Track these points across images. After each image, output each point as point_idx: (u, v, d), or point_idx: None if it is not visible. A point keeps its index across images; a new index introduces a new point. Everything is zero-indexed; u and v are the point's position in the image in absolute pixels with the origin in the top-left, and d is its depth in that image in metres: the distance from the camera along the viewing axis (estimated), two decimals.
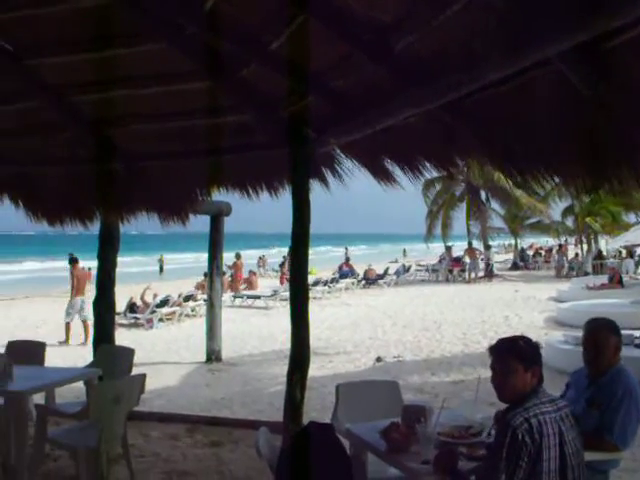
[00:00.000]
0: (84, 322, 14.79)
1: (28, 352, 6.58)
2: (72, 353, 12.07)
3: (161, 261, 47.51)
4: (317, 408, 7.51)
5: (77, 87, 6.27)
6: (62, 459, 5.95)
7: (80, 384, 6.34)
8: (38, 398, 5.91)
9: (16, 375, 5.50)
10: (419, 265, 37.73)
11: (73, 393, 7.03)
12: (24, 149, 7.29)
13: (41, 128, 6.96)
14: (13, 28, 5.80)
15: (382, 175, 5.88)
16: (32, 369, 6.07)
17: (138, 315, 17.95)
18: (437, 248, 41.71)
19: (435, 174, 6.24)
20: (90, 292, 13.33)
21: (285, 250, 34.02)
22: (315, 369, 8.62)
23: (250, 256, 43.30)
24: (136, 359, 6.40)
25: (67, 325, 14.98)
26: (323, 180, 6.09)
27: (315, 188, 6.01)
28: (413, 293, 25.59)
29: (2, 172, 7.53)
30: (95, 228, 7.90)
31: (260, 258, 42.84)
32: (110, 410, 4.93)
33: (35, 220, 7.78)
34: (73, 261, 16.34)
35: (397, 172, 5.79)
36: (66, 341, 14.52)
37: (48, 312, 20.82)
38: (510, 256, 44.12)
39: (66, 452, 5.56)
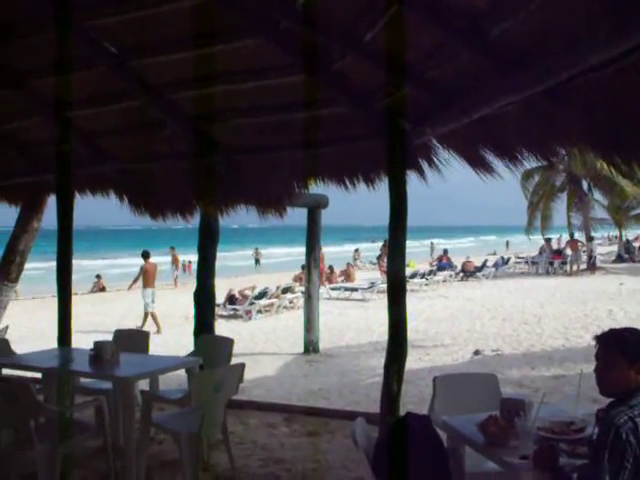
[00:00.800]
0: (152, 314, 16.40)
1: (134, 340, 6.85)
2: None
3: (256, 254, 48.32)
4: (414, 401, 7.49)
5: (177, 85, 6.46)
6: (166, 443, 6.19)
7: (182, 372, 6.57)
8: (143, 384, 6.13)
9: (123, 362, 5.76)
10: (518, 257, 36.91)
11: (176, 381, 7.27)
12: (128, 146, 7.56)
13: (144, 126, 7.21)
14: (117, 32, 6.05)
15: (480, 165, 5.77)
16: (137, 357, 6.33)
17: (237, 307, 18.35)
18: (539, 240, 40.69)
19: (535, 164, 6.06)
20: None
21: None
22: (412, 361, 8.58)
23: (347, 250, 43.50)
24: (235, 349, 6.55)
25: (152, 315, 16.46)
26: (420, 171, 6.03)
27: (412, 180, 5.96)
28: (512, 286, 25.05)
29: (108, 169, 7.82)
30: (196, 222, 8.12)
31: (355, 251, 42.94)
32: (210, 398, 5.08)
33: (139, 214, 8.05)
34: (145, 255, 17.49)
35: (495, 162, 5.67)
36: (158, 330, 15.43)
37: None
38: (614, 248, 42.40)
39: (169, 436, 5.77)
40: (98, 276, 30.04)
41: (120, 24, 5.91)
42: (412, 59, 5.01)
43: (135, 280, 17.65)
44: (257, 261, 47.40)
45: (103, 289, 28.80)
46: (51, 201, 9.54)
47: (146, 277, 16.99)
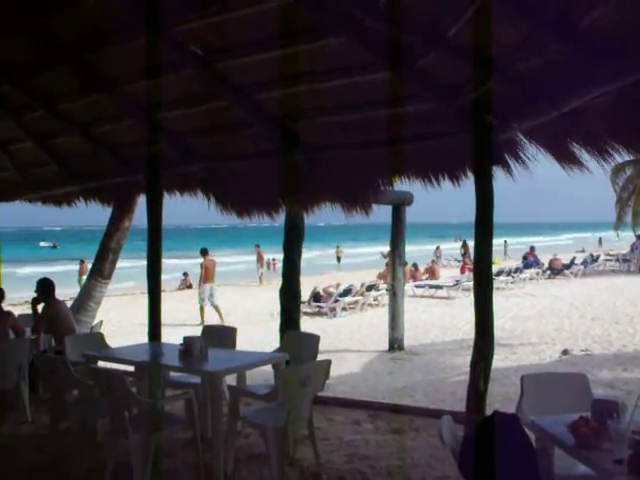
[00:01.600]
0: (216, 308, 17.32)
1: (221, 336, 7.00)
2: None
3: (338, 252, 48.48)
4: (500, 400, 7.37)
5: (262, 85, 6.56)
6: (252, 436, 6.32)
7: (267, 368, 6.67)
8: (230, 379, 6.26)
9: (211, 357, 5.90)
10: (608, 255, 35.71)
11: (262, 376, 7.40)
12: (214, 146, 7.73)
13: (230, 125, 7.35)
14: (203, 35, 6.19)
15: (567, 160, 5.63)
16: (225, 352, 6.47)
17: (322, 304, 18.46)
18: (629, 237, 39.19)
19: (627, 157, 5.87)
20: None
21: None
22: (498, 360, 8.45)
23: (431, 248, 43.15)
24: (320, 346, 6.59)
25: (201, 308, 17.41)
26: (506, 167, 5.93)
27: (498, 176, 5.87)
28: (602, 284, 24.29)
29: (195, 168, 8.01)
30: (281, 220, 8.22)
31: (436, 248, 42.49)
32: (297, 393, 5.14)
33: (225, 213, 8.21)
34: (204, 253, 18.48)
35: (584, 156, 5.52)
36: (201, 322, 16.17)
37: (236, 299, 22.05)
38: None
39: (256, 430, 5.87)
40: (185, 274, 30.74)
41: (205, 28, 6.05)
42: (497, 52, 4.93)
43: (201, 277, 18.16)
44: (339, 259, 47.56)
45: (190, 286, 29.44)
46: (141, 200, 9.89)
47: (205, 273, 17.87)
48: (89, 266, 12.49)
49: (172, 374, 6.70)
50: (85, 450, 5.64)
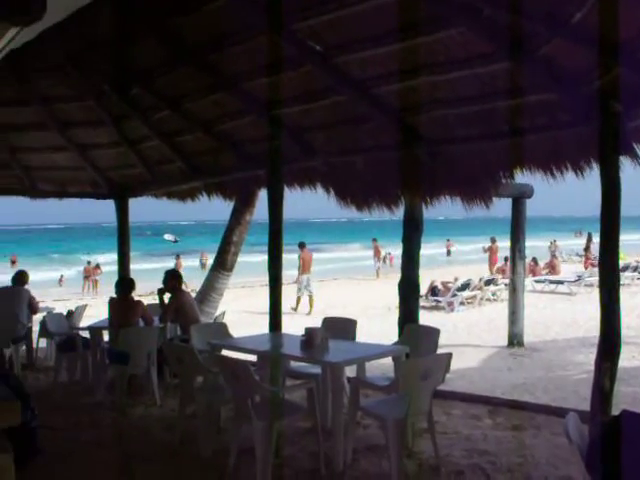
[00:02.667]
0: (309, 296, 18.74)
1: (341, 327, 7.09)
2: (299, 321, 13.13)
3: (448, 245, 47.85)
4: (627, 401, 7.07)
5: (381, 79, 6.58)
6: (370, 427, 6.38)
7: (385, 360, 6.71)
8: (348, 371, 6.34)
9: (332, 348, 6.00)
10: None
11: (379, 368, 7.44)
12: (334, 140, 7.81)
13: (349, 120, 7.42)
14: (322, 31, 6.27)
15: None
16: (346, 343, 6.56)
17: (439, 298, 18.31)
18: None
19: None
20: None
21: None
22: (624, 359, 8.09)
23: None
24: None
25: (298, 298, 18.93)
26: (634, 156, 5.69)
27: (625, 166, 5.63)
28: None
29: (315, 163, 8.15)
30: (400, 213, 8.22)
31: (551, 242, 40.97)
32: (417, 385, 5.15)
33: (345, 207, 8.30)
34: (301, 246, 20.19)
35: None
36: (295, 309, 18.57)
37: (353, 293, 22.19)
38: None
39: (375, 421, 5.93)
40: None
41: (324, 24, 6.13)
42: (624, 37, 4.74)
43: (299, 269, 19.65)
44: (449, 252, 46.97)
45: None
46: (262, 195, 10.16)
47: (302, 265, 19.44)
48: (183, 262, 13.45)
49: (292, 364, 6.86)
50: (211, 433, 5.88)
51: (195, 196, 10.64)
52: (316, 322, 7.57)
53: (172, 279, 8.45)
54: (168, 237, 72.14)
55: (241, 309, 18.36)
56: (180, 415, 6.39)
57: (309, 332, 6.09)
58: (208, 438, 5.83)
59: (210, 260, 15.27)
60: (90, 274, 31.16)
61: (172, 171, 10.00)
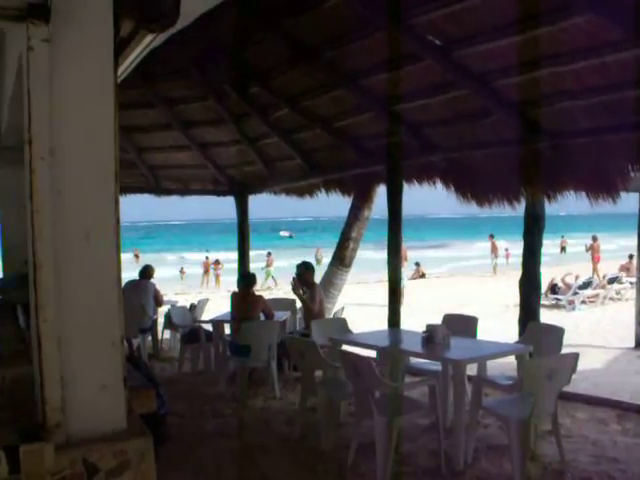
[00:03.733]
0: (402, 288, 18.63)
1: (461, 325, 6.99)
2: None
3: (562, 242, 46.11)
4: None
5: (501, 72, 6.42)
6: (490, 427, 6.26)
7: (505, 359, 6.55)
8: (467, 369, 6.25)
9: (453, 345, 5.93)
10: None
11: (497, 368, 7.27)
12: (453, 135, 7.71)
13: (469, 114, 7.29)
14: (442, 24, 6.19)
15: None
16: (467, 341, 6.46)
17: (559, 296, 17.73)
18: None
19: None
20: None
21: None
22: None
23: None
24: None
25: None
26: None
27: None
28: None
29: (434, 158, 8.07)
30: (521, 209, 8.02)
31: None
32: (542, 386, 5.01)
33: (465, 202, 8.18)
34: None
35: None
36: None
37: (470, 290, 21.83)
38: None
39: (494, 421, 5.81)
40: (417, 263, 30.98)
41: (444, 17, 6.06)
42: None
43: None
44: (563, 249, 45.27)
45: (423, 276, 29.67)
46: (380, 191, 10.16)
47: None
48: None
49: (411, 360, 6.83)
50: (331, 427, 5.94)
51: (313, 192, 10.79)
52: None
53: (306, 272, 8.57)
54: (284, 233, 73.33)
55: (357, 304, 18.45)
56: (301, 409, 6.49)
57: (431, 329, 6.05)
58: (329, 432, 5.89)
59: (325, 256, 15.56)
60: (208, 269, 32.11)
61: (291, 168, 10.17)
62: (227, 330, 8.94)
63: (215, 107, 9.43)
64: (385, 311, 8.45)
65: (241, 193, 11.49)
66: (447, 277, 30.49)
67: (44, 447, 2.44)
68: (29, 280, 2.64)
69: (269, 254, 31.13)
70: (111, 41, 2.71)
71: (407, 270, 28.42)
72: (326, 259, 17.00)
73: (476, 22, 5.99)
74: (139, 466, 2.65)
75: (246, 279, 8.42)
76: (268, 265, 30.28)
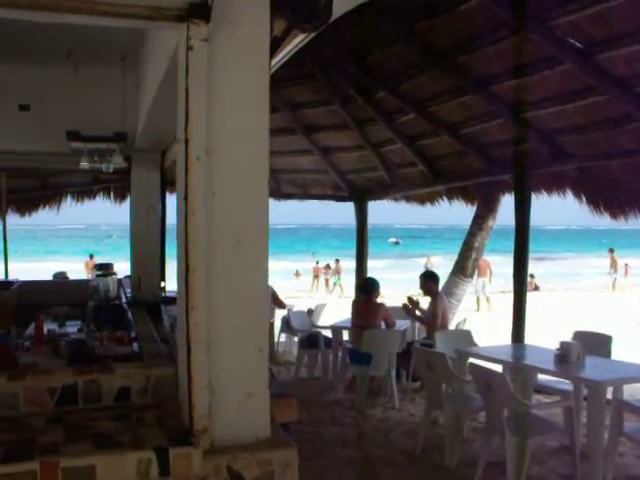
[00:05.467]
0: (487, 298, 21.36)
1: (594, 343, 6.60)
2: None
3: None
4: None
5: None
6: (627, 456, 5.88)
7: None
8: None
9: (588, 364, 5.61)
10: None
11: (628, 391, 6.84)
12: (589, 143, 7.32)
13: (608, 121, 6.90)
14: (583, 26, 5.89)
15: None
16: (601, 360, 6.08)
17: None
18: None
19: None
20: None
21: None
22: None
23: None
24: None
25: (477, 299, 21.32)
26: None
27: None
28: None
29: (566, 167, 7.72)
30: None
31: None
32: None
33: (596, 214, 7.81)
34: None
35: None
36: (477, 309, 20.69)
37: (587, 305, 20.98)
38: None
39: (630, 449, 5.46)
40: (532, 275, 29.99)
41: (586, 18, 5.76)
42: None
43: (477, 273, 19.69)
44: None
45: (536, 288, 28.68)
46: (504, 200, 9.87)
47: (479, 270, 20.19)
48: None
49: (539, 378, 6.53)
50: (456, 443, 5.74)
51: (435, 200, 10.59)
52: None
53: (429, 281, 8.41)
54: (392, 240, 73.01)
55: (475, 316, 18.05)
56: (424, 421, 6.31)
57: (565, 346, 5.74)
58: (453, 448, 5.69)
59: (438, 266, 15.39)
60: (319, 273, 32.26)
61: (413, 175, 10.01)
62: (345, 337, 8.87)
63: (339, 112, 9.39)
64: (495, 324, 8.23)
65: (361, 199, 11.40)
66: (561, 291, 29.36)
67: (192, 452, 2.42)
68: (179, 282, 2.62)
69: (337, 261, 31.04)
70: (267, 41, 2.67)
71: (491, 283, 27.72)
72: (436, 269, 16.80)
73: (621, 23, 5.66)
74: (282, 478, 2.58)
75: (368, 286, 8.30)
76: (337, 272, 30.52)
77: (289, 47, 3.30)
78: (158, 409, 2.82)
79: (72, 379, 2.84)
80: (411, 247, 64.31)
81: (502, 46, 6.59)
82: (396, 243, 71.51)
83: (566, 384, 6.18)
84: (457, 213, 11.50)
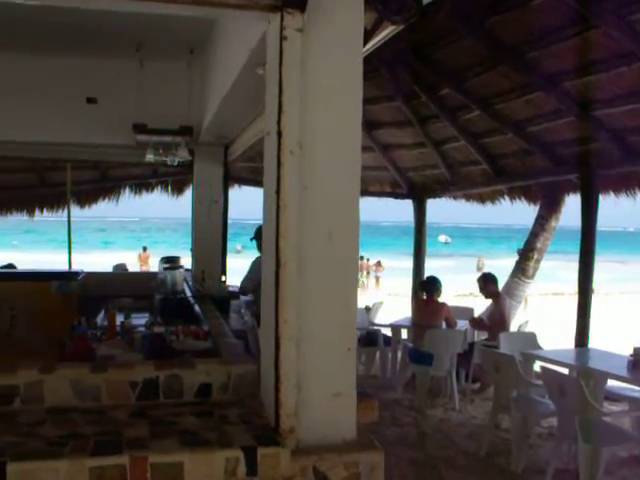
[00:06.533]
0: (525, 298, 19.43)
1: None
2: None
3: None
4: None
5: None
6: None
7: None
8: None
9: None
10: None
11: None
12: None
13: None
14: None
15: None
16: None
17: None
18: None
19: None
20: None
21: None
22: None
23: None
24: None
25: None
26: None
27: None
28: None
29: (637, 168, 7.50)
30: None
31: None
32: None
33: None
34: None
35: None
36: None
37: None
38: None
39: None
40: None
41: None
42: None
43: None
44: None
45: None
46: (569, 200, 9.65)
47: None
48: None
49: (609, 384, 6.34)
50: (523, 448, 5.60)
51: (496, 199, 10.40)
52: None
53: (489, 283, 8.28)
54: (443, 239, 72.29)
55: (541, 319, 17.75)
56: (490, 425, 6.18)
57: (639, 352, 5.56)
58: (520, 453, 5.56)
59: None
60: (368, 270, 32.13)
61: (475, 173, 9.83)
62: (404, 335, 8.77)
63: (402, 108, 9.27)
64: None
65: (420, 197, 11.24)
66: (618, 294, 28.69)
67: (280, 452, 2.37)
68: (266, 278, 2.57)
69: (378, 263, 30.87)
70: (361, 32, 2.62)
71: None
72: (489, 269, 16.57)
73: None
74: None
75: (430, 285, 8.18)
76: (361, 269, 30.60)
77: (375, 40, 3.23)
78: (240, 407, 2.78)
79: (154, 373, 2.82)
80: (462, 246, 63.60)
81: (575, 42, 6.39)
82: (446, 242, 70.79)
83: (636, 392, 5.99)
84: (519, 213, 11.29)
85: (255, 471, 2.32)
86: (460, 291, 22.75)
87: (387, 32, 3.18)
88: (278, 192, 2.39)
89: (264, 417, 2.62)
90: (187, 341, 3.67)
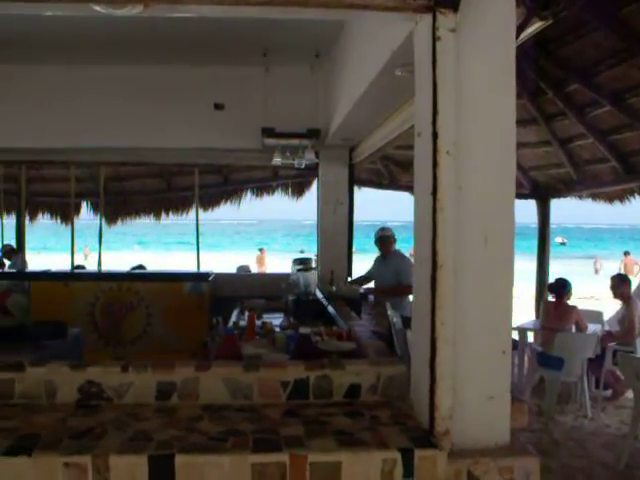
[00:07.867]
0: None
1: None
2: None
3: None
4: None
5: None
6: None
7: None
8: None
9: None
10: None
11: None
12: None
13: None
14: None
15: None
16: None
17: None
18: None
19: None
20: None
21: None
22: None
23: None
24: None
25: None
26: None
27: None
28: None
29: None
30: None
31: None
32: None
33: None
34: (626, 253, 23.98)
35: None
36: None
37: None
38: None
39: None
40: None
41: None
42: None
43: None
44: None
45: None
46: None
47: (625, 269, 21.45)
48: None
49: None
50: None
51: (626, 198, 9.97)
52: None
53: (623, 285, 7.97)
54: (559, 240, 70.07)
55: None
56: (629, 435, 5.92)
57: None
58: None
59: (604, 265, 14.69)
60: None
61: (602, 171, 9.45)
62: (530, 339, 8.55)
63: (527, 106, 9.03)
64: None
65: (544, 197, 10.91)
66: None
67: (438, 455, 2.35)
68: (419, 279, 2.56)
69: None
70: (513, 30, 2.55)
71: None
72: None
73: None
74: None
75: (559, 287, 7.92)
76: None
77: (522, 36, 3.16)
78: (390, 408, 2.78)
79: (304, 374, 2.85)
80: (579, 247, 61.29)
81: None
82: (562, 243, 68.57)
83: None
84: None
85: (412, 473, 2.30)
86: (579, 294, 21.96)
87: (534, 28, 3.11)
88: (434, 193, 2.37)
89: (415, 419, 2.61)
90: (331, 342, 3.71)
